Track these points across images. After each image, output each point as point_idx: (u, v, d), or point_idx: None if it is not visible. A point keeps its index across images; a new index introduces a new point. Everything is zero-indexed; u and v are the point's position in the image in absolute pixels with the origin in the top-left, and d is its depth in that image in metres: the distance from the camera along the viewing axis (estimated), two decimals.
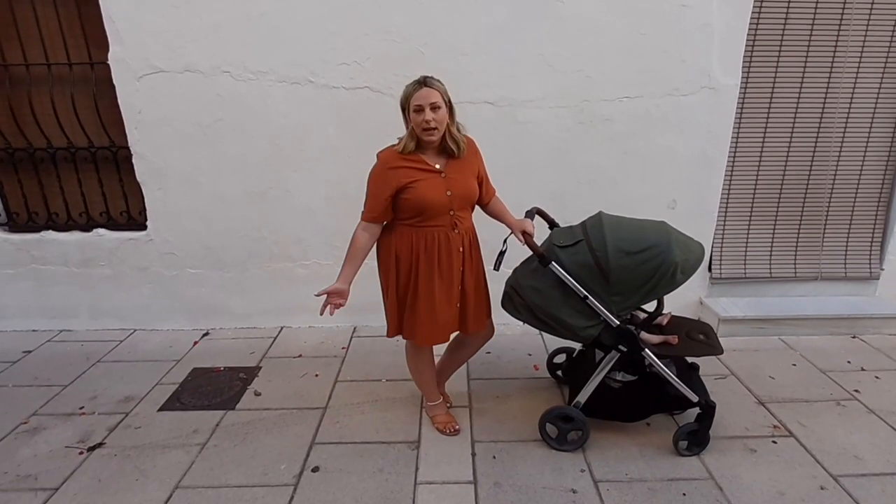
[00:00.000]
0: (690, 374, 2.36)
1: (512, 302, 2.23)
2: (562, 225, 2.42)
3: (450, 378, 2.62)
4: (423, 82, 1.96)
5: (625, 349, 2.12)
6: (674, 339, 2.22)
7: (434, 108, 1.95)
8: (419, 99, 1.94)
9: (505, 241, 2.21)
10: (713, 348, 2.23)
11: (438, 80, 1.99)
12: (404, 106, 2.00)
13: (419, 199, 2.01)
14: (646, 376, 2.31)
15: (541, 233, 2.26)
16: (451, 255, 2.11)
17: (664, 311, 2.27)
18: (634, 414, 2.35)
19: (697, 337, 2.28)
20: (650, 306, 2.16)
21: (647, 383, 2.30)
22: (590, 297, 2.05)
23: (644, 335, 2.20)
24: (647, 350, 2.12)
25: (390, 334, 2.26)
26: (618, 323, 2.08)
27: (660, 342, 2.21)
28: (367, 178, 2.07)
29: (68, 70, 3.16)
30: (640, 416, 2.37)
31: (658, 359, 2.14)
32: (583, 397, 2.24)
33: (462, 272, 2.16)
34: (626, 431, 2.40)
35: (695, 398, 2.18)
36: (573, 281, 2.06)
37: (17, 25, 3.09)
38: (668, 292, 2.04)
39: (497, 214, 2.31)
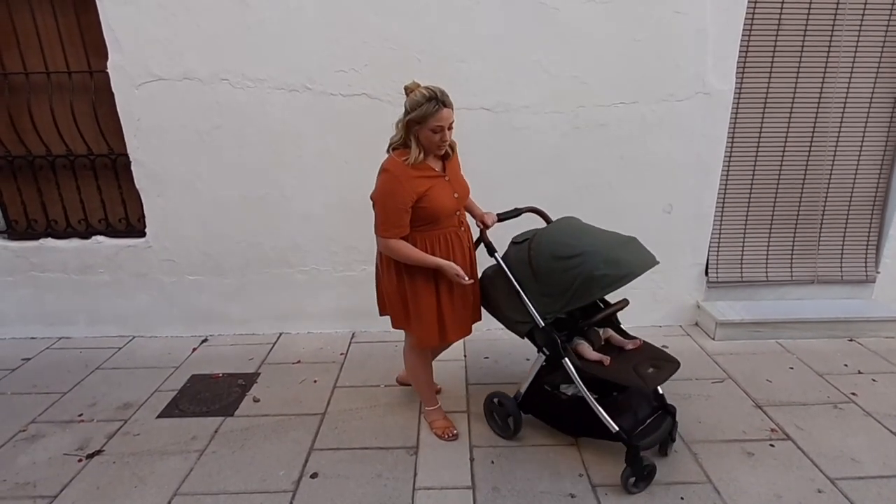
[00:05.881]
0: (661, 416, 2.20)
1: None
2: None
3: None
4: (444, 102, 1.92)
5: (547, 353, 2.15)
6: (606, 359, 2.12)
7: (450, 127, 1.98)
8: (440, 120, 1.93)
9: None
10: (642, 380, 2.03)
11: (447, 94, 1.96)
12: (419, 121, 1.94)
13: (434, 206, 2.03)
14: (604, 397, 2.20)
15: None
16: (465, 252, 2.19)
17: (634, 337, 2.24)
18: (568, 428, 2.31)
19: (645, 370, 2.07)
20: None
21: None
22: (522, 293, 2.12)
23: (581, 348, 2.16)
24: (566, 359, 2.09)
25: (427, 344, 2.24)
26: (542, 324, 2.11)
27: (595, 359, 2.13)
28: (378, 194, 2.01)
29: (67, 78, 3.18)
30: (575, 433, 2.32)
31: (582, 373, 2.08)
32: (521, 390, 2.34)
33: (471, 266, 2.24)
34: None
35: (613, 429, 2.04)
36: (511, 275, 2.15)
37: (16, 34, 3.11)
38: (585, 302, 2.02)
39: (467, 207, 2.37)
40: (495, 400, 2.43)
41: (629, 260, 1.98)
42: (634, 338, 2.26)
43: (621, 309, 2.22)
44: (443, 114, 1.93)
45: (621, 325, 2.35)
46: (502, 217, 2.39)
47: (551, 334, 2.10)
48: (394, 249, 2.05)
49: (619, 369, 2.09)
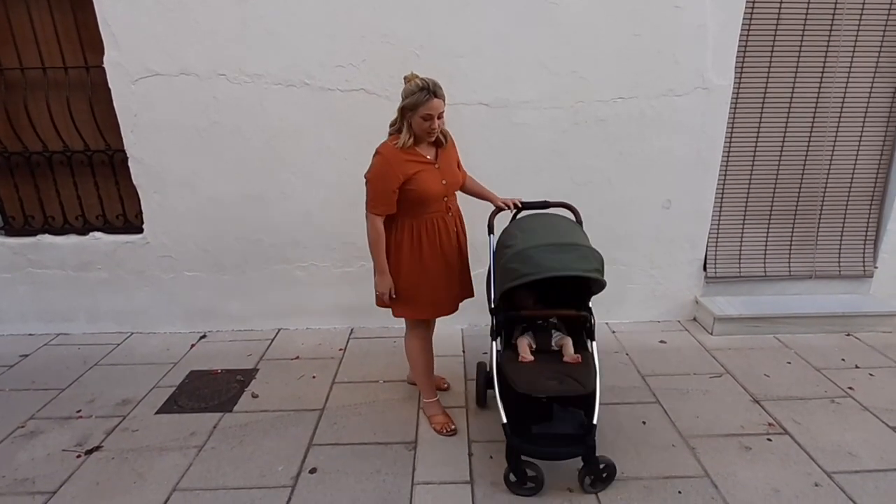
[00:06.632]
0: (573, 441, 2.07)
1: None
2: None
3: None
4: (434, 93, 2.02)
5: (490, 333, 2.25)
6: (528, 359, 2.13)
7: (440, 116, 2.07)
8: (430, 109, 2.03)
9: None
10: (526, 386, 1.99)
11: (440, 86, 2.05)
12: (411, 109, 2.05)
13: (422, 190, 2.14)
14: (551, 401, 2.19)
15: None
16: (451, 237, 2.29)
17: (575, 353, 2.15)
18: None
19: (545, 380, 2.02)
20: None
21: (529, 400, 2.10)
22: (492, 272, 2.27)
23: (520, 342, 2.21)
24: (495, 341, 2.21)
25: (405, 315, 2.37)
26: (492, 305, 2.22)
27: (522, 354, 2.15)
28: (370, 174, 2.14)
29: (64, 74, 3.16)
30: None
31: (503, 364, 2.13)
32: (489, 367, 2.41)
33: (458, 249, 2.34)
34: (622, 430, 2.41)
35: (503, 420, 2.03)
36: (492, 254, 2.31)
37: (12, 30, 3.09)
38: (500, 290, 2.11)
39: (478, 193, 2.49)
40: (480, 367, 2.63)
41: (545, 262, 1.97)
42: (579, 355, 2.14)
43: (551, 316, 2.29)
44: (433, 103, 2.02)
45: (589, 338, 2.22)
46: (527, 205, 2.43)
47: (493, 317, 2.21)
48: (373, 228, 2.17)
49: (524, 371, 2.07)
